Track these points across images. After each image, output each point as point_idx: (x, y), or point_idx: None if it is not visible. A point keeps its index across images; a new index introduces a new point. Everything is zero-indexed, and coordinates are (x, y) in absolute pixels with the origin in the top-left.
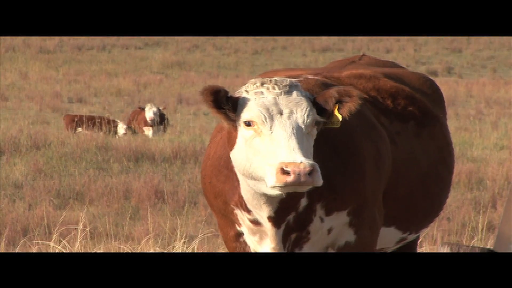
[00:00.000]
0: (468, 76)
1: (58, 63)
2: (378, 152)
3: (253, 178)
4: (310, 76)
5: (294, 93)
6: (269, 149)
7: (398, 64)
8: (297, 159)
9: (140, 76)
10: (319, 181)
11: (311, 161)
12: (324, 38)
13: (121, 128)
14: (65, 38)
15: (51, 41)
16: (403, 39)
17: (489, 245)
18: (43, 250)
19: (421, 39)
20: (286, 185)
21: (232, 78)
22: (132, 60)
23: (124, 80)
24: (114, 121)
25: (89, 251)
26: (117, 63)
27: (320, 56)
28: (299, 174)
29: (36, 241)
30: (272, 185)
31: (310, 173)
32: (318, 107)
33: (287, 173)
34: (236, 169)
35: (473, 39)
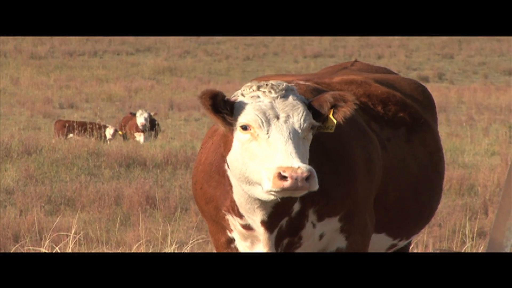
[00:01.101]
0: (460, 82)
1: (49, 69)
2: (369, 157)
3: (248, 182)
4: (301, 82)
5: (290, 97)
6: (266, 153)
7: (390, 70)
8: (294, 164)
9: (131, 82)
10: (316, 186)
11: (308, 166)
12: (315, 44)
13: (108, 133)
14: (56, 44)
15: (42, 47)
16: (395, 45)
17: (480, 251)
18: None
19: (412, 44)
20: (282, 190)
21: (223, 84)
22: (123, 66)
23: (115, 85)
24: (105, 127)
25: None
26: (108, 69)
27: (311, 62)
28: (296, 179)
29: (28, 247)
30: (268, 189)
31: (307, 178)
32: (313, 111)
33: (284, 178)
34: (231, 173)
35: (464, 45)
